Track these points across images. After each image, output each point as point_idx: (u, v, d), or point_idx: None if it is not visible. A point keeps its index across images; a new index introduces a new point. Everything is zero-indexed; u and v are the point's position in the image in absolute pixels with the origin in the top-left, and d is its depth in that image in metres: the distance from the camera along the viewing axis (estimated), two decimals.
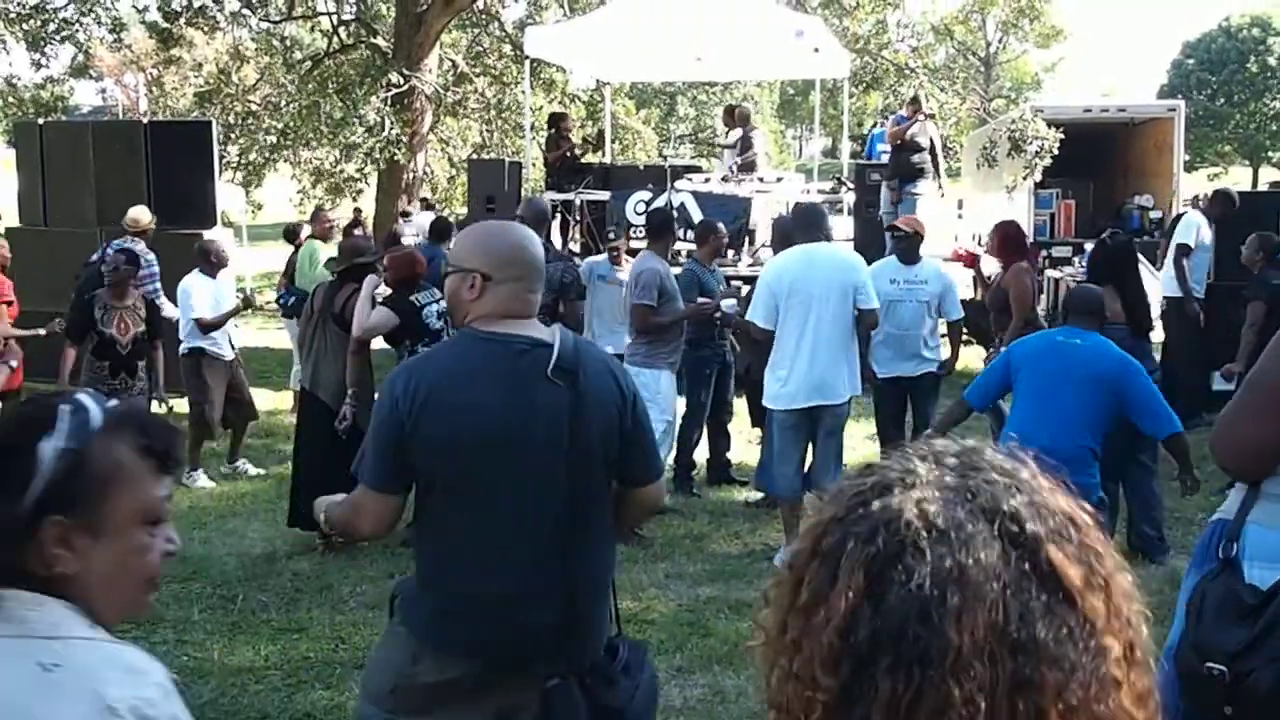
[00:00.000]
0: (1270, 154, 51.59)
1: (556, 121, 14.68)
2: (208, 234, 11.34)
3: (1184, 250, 10.09)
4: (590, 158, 15.90)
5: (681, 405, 7.96)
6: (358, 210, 23.68)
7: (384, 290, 7.20)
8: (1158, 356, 10.71)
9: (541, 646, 2.73)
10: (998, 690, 0.87)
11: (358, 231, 22.07)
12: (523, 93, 19.40)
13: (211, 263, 8.84)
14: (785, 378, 6.50)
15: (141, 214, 9.89)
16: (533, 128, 16.98)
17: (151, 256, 9.70)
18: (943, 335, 8.09)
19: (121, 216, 11.21)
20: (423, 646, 2.79)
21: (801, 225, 6.88)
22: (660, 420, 7.17)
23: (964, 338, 8.59)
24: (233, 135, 23.50)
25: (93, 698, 1.44)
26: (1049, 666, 0.88)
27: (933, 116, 12.43)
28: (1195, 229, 10.26)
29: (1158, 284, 12.56)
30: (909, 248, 7.64)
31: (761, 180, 13.58)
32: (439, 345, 5.29)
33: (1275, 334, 2.94)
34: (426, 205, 21.36)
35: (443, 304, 6.96)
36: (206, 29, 25.39)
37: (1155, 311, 11.34)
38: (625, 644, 2.93)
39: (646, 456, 2.91)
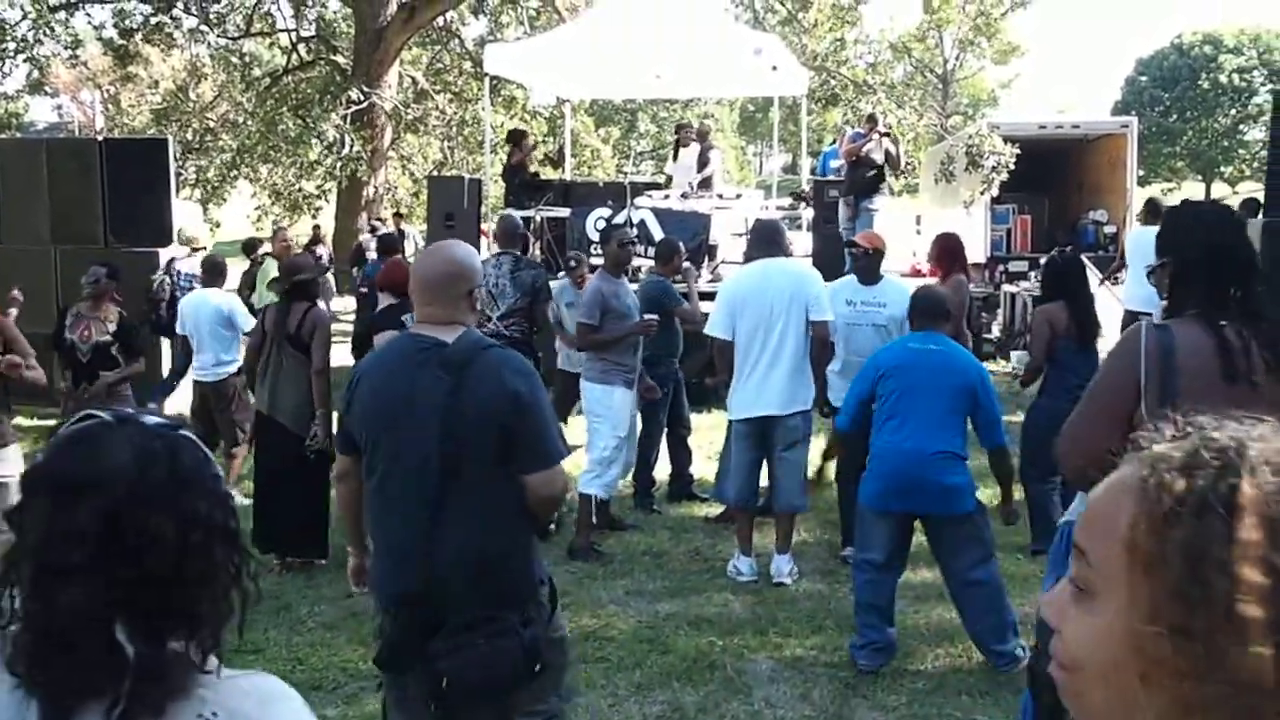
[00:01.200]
0: (1222, 169, 52.37)
1: (517, 139, 14.70)
2: (164, 252, 11.26)
3: None
4: (550, 174, 15.92)
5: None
6: (316, 228, 23.55)
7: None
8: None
9: (412, 599, 3.16)
10: None
11: (319, 249, 21.98)
12: (483, 109, 19.42)
13: (225, 277, 8.98)
14: (738, 388, 6.64)
15: (198, 232, 9.92)
16: (493, 145, 16.97)
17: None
18: None
19: (76, 233, 11.12)
20: None
21: (759, 241, 6.98)
22: (612, 436, 7.17)
23: None
24: (191, 153, 23.37)
25: None
26: None
27: (889, 134, 12.51)
28: None
29: (1112, 297, 12.74)
30: (867, 266, 6.95)
31: (721, 197, 13.65)
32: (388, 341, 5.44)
33: (1113, 348, 3.06)
34: (398, 217, 21.28)
35: None
36: (163, 46, 25.24)
37: (1115, 325, 11.55)
38: (486, 617, 3.12)
39: (530, 447, 3.18)
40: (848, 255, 7.29)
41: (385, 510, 3.29)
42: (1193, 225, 3.10)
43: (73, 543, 1.34)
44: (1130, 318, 10.93)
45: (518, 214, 13.31)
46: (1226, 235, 3.02)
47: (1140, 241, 11.13)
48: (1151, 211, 11.77)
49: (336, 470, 3.53)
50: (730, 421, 6.79)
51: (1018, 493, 5.87)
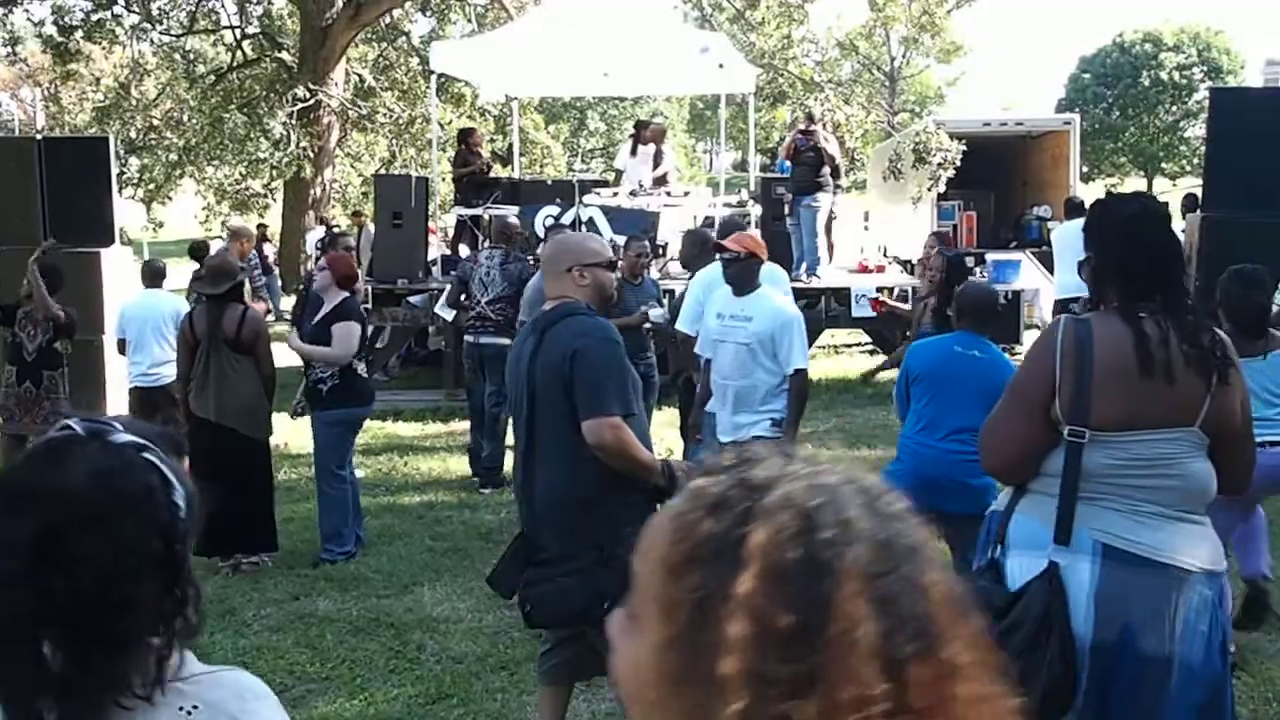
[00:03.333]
0: (1163, 165, 53.16)
1: (465, 137, 14.62)
2: (105, 252, 11.08)
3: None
4: (499, 172, 15.86)
5: None
6: (263, 226, 23.31)
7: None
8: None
9: (523, 535, 3.89)
10: None
11: (267, 247, 21.79)
12: (431, 107, 19.30)
13: (165, 279, 8.96)
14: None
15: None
16: (441, 143, 16.85)
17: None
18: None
19: (14, 234, 10.92)
20: None
21: (723, 237, 7.04)
22: None
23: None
24: (135, 151, 23.04)
25: None
26: None
27: (812, 130, 12.43)
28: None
29: (1051, 287, 12.96)
30: (738, 273, 5.83)
31: (669, 194, 13.67)
32: None
33: (1034, 342, 3.06)
34: (357, 215, 21.13)
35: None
36: (105, 43, 24.86)
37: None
38: (565, 555, 3.68)
39: (579, 397, 3.63)
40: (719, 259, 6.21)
41: (515, 456, 3.95)
42: (1113, 218, 3.06)
43: (3, 551, 1.33)
44: (1061, 306, 11.19)
45: (464, 211, 13.41)
46: (1146, 228, 2.97)
47: (1065, 235, 11.54)
48: (1072, 207, 12.42)
49: None
50: (705, 413, 6.78)
51: None
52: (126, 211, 20.48)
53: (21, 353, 7.58)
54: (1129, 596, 2.75)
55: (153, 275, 8.77)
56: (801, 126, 12.92)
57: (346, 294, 7.10)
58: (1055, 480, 2.84)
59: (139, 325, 8.45)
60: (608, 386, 3.63)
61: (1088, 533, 2.79)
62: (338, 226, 20.22)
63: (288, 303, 21.04)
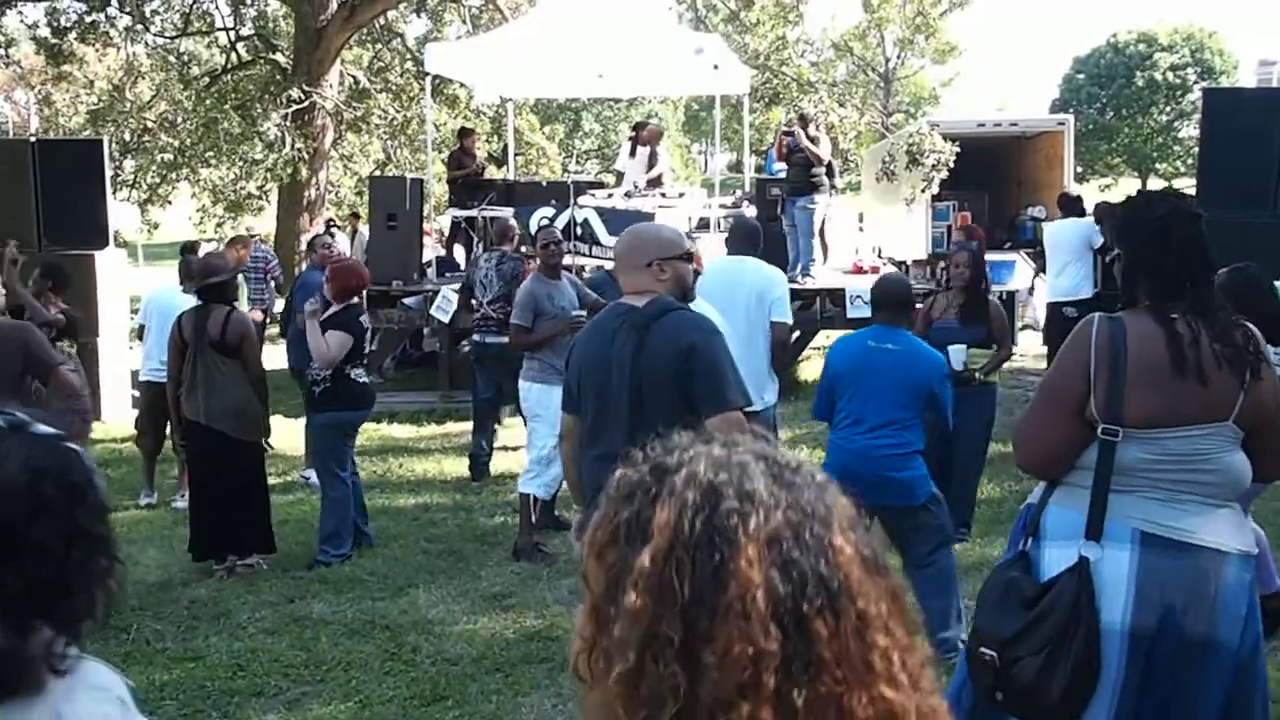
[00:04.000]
0: (1157, 166, 53.21)
1: (463, 137, 14.63)
2: (100, 255, 11.09)
3: None
4: (493, 174, 15.87)
5: None
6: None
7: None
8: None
9: None
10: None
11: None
12: (425, 109, 19.29)
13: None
14: None
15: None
16: (436, 144, 16.83)
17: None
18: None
19: (9, 236, 10.92)
20: None
21: (735, 238, 7.14)
22: (551, 435, 7.15)
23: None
24: (129, 153, 23.00)
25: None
26: None
27: (814, 138, 12.41)
28: None
29: (1044, 288, 12.98)
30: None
31: (664, 195, 13.67)
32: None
33: (1064, 342, 3.05)
34: (354, 218, 21.09)
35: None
36: (99, 45, 24.83)
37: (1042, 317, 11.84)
38: None
39: (703, 392, 3.59)
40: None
41: (590, 459, 3.74)
42: (1144, 216, 3.07)
43: None
44: (1053, 309, 11.14)
45: (459, 213, 13.39)
46: (1178, 226, 2.98)
47: (1058, 233, 11.41)
48: (1066, 203, 12.11)
49: (561, 428, 4.09)
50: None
51: None
52: (121, 214, 20.43)
53: None
54: (1169, 580, 2.79)
55: (190, 274, 8.78)
56: (787, 128, 12.91)
57: (347, 303, 7.08)
58: (1090, 473, 2.88)
59: (161, 318, 8.40)
60: (729, 380, 3.67)
61: (1126, 521, 2.84)
62: (337, 227, 20.20)
63: (282, 305, 21.03)
